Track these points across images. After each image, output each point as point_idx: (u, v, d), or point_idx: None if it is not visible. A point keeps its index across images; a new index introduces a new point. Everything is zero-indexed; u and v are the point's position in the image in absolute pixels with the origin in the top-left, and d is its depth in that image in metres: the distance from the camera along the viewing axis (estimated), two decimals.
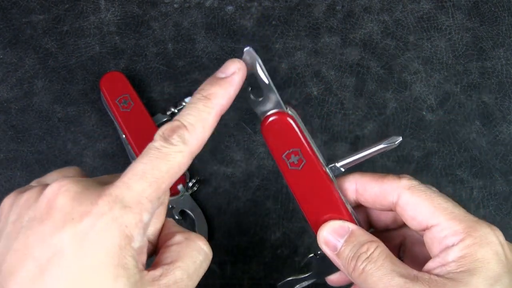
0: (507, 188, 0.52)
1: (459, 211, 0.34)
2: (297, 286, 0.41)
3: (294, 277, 0.41)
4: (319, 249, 0.37)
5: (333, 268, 0.38)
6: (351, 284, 0.38)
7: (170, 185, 0.31)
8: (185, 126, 0.32)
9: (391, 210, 0.36)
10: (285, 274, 0.50)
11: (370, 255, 0.34)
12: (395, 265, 0.34)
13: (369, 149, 0.37)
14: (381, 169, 0.53)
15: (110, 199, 0.29)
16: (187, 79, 0.56)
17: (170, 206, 0.51)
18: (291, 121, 0.36)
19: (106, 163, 0.53)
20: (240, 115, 0.55)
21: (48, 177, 0.35)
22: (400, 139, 0.38)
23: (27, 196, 0.31)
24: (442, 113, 0.55)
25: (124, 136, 0.52)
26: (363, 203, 0.37)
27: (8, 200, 0.32)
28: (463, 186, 0.52)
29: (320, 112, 0.55)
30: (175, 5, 0.59)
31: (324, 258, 0.38)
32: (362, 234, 0.36)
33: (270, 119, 0.36)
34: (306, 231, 0.51)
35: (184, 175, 0.51)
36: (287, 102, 0.36)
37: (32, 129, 0.55)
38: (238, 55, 0.60)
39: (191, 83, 0.56)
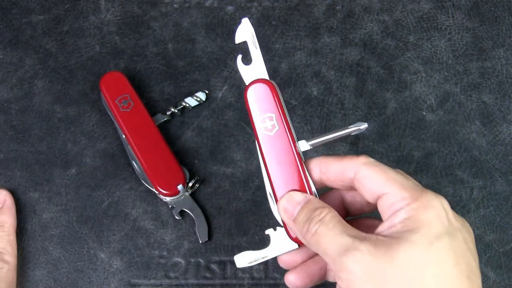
0: (507, 188, 0.52)
1: (408, 182, 0.37)
2: (252, 259, 0.44)
3: (250, 251, 0.44)
4: (280, 225, 0.42)
5: (287, 244, 0.42)
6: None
7: None
8: None
9: (351, 188, 0.40)
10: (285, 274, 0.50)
11: (322, 218, 0.38)
12: (346, 227, 0.37)
13: (336, 132, 0.43)
14: None
15: None
16: (187, 79, 0.56)
17: (170, 206, 0.51)
18: (271, 89, 0.41)
19: (106, 163, 0.53)
20: (240, 115, 0.55)
21: None
22: (366, 125, 0.43)
23: None
24: (442, 113, 0.55)
25: (124, 136, 0.52)
26: (326, 182, 0.41)
27: None
28: (463, 186, 0.52)
29: (320, 112, 0.55)
30: (175, 5, 0.59)
31: (281, 233, 0.42)
32: (317, 202, 0.39)
33: (255, 84, 0.42)
34: None
35: (184, 175, 0.51)
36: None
37: (32, 129, 0.55)
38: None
39: (191, 83, 0.56)
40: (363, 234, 0.36)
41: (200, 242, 0.51)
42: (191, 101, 0.55)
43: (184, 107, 0.55)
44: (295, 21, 0.58)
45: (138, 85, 0.56)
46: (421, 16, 0.58)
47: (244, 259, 0.44)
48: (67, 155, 0.54)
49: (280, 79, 0.56)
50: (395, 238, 0.36)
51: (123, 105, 0.53)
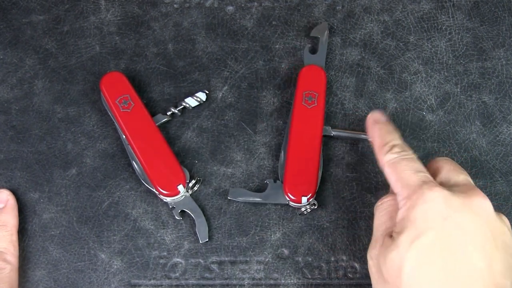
0: (507, 189, 0.52)
1: (413, 177, 0.39)
2: (244, 197, 0.50)
3: (245, 190, 0.51)
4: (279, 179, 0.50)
5: (280, 197, 0.50)
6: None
7: None
8: None
9: None
10: (285, 275, 0.50)
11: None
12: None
13: (356, 133, 0.52)
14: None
15: None
16: (187, 79, 0.56)
17: (171, 207, 0.51)
18: (322, 75, 0.53)
19: (106, 163, 0.53)
20: (240, 116, 0.55)
21: None
22: None
23: None
24: (442, 113, 0.55)
25: (124, 136, 0.52)
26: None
27: None
28: None
29: None
30: (175, 5, 0.59)
31: (279, 186, 0.50)
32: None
33: (311, 67, 0.53)
34: (306, 231, 0.51)
35: (184, 175, 0.51)
36: None
37: (32, 130, 0.55)
38: (238, 55, 0.60)
39: (191, 83, 0.56)
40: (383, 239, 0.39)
41: (200, 242, 0.51)
42: (191, 101, 0.55)
43: (184, 107, 0.55)
44: (295, 21, 0.58)
45: (138, 85, 0.56)
46: (421, 16, 0.58)
47: (237, 194, 0.50)
48: (67, 155, 0.54)
49: (280, 80, 0.56)
50: (392, 239, 0.38)
51: (123, 105, 0.53)
